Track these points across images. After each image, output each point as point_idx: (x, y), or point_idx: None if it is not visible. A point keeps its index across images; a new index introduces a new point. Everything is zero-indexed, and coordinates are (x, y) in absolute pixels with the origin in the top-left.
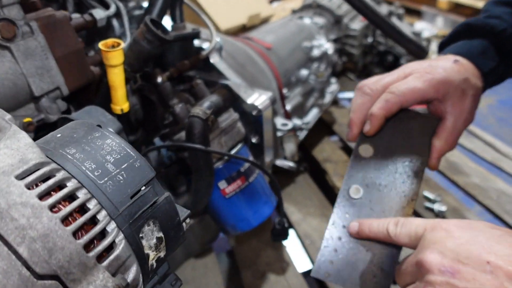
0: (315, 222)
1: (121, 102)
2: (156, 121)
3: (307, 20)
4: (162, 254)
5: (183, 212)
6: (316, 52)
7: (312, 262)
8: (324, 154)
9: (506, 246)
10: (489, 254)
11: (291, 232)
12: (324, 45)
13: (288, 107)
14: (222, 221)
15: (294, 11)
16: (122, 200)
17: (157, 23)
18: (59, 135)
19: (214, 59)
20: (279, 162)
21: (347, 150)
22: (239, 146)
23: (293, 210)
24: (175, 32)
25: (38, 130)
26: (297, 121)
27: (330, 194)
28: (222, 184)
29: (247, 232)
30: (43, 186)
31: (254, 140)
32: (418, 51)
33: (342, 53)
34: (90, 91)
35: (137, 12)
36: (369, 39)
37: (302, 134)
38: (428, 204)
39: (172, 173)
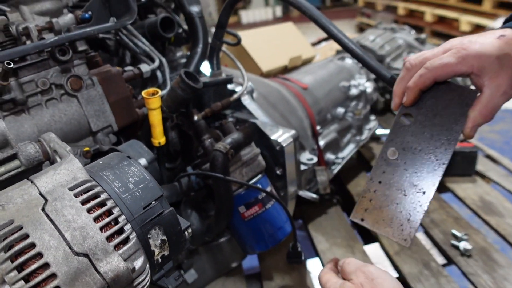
0: (340, 252)
1: (159, 137)
2: (191, 153)
3: (348, 61)
4: (166, 252)
5: (185, 224)
6: (354, 91)
7: None
8: (358, 189)
9: None
10: None
11: (316, 260)
12: (363, 83)
13: (322, 142)
14: (242, 241)
15: (338, 52)
16: (137, 209)
17: (191, 74)
18: (101, 162)
19: (245, 100)
20: (302, 193)
21: None
22: (259, 176)
23: (320, 240)
24: (212, 77)
25: (94, 157)
26: (330, 156)
27: (360, 226)
28: (242, 209)
29: (273, 254)
30: (84, 196)
31: (278, 172)
32: (386, 78)
33: (385, 91)
34: (135, 127)
35: (183, 61)
36: None
37: (336, 168)
38: (454, 242)
39: (201, 197)
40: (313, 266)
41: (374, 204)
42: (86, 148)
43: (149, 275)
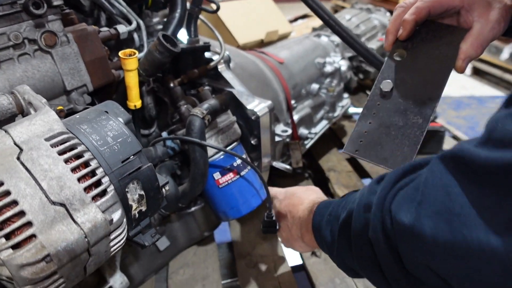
0: None
1: (135, 100)
2: (166, 119)
3: (324, 38)
4: (143, 208)
5: (162, 180)
6: (328, 68)
7: (303, 259)
8: (330, 164)
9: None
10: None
11: None
12: (338, 61)
13: (296, 117)
14: (215, 207)
15: (314, 29)
16: (115, 163)
17: (169, 38)
18: (77, 116)
19: (222, 69)
20: (276, 164)
21: (352, 162)
22: (234, 144)
23: None
24: (189, 45)
25: (67, 117)
26: (303, 130)
27: None
28: (216, 175)
29: (245, 225)
30: (61, 147)
31: (253, 142)
32: (375, 61)
33: (359, 70)
34: (111, 89)
35: (160, 27)
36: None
37: (309, 143)
38: None
39: (176, 162)
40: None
41: (369, 135)
42: (60, 107)
43: (126, 229)
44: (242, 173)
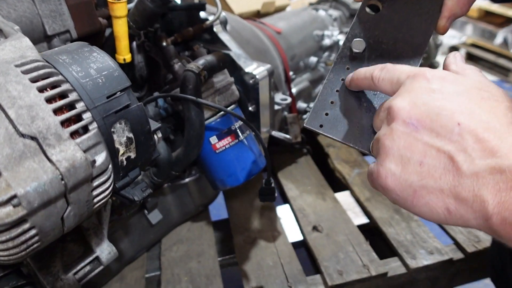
0: (310, 199)
1: (124, 52)
2: (159, 80)
3: (321, 12)
4: (132, 154)
5: (154, 125)
6: (327, 41)
7: (304, 234)
8: (328, 140)
9: (485, 111)
10: (462, 115)
11: (286, 206)
12: (336, 35)
13: (294, 90)
14: (212, 175)
15: (311, 4)
16: (99, 97)
17: None
18: (56, 49)
19: (218, 30)
20: (275, 133)
21: None
22: (232, 106)
23: (291, 187)
24: (183, 2)
25: None
26: (302, 104)
27: (330, 176)
28: (213, 139)
29: (242, 200)
30: (34, 73)
31: (251, 108)
32: None
33: None
34: (97, 40)
35: None
36: None
37: (307, 118)
38: None
39: (169, 125)
40: (283, 212)
41: (336, 106)
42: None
43: (112, 178)
44: (241, 138)
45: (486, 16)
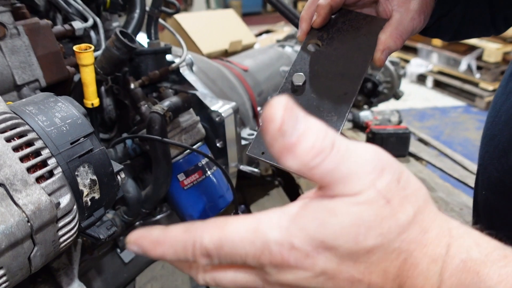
0: None
1: (92, 97)
2: (128, 121)
3: (288, 48)
4: (96, 195)
5: (117, 167)
6: None
7: None
8: None
9: (377, 262)
10: (362, 280)
11: None
12: None
13: None
14: (181, 211)
15: (278, 41)
16: (63, 144)
17: (126, 34)
18: (24, 100)
19: (184, 72)
20: (243, 167)
21: None
22: (199, 144)
23: None
24: (150, 47)
25: None
26: None
27: None
28: (181, 176)
29: None
30: (2, 125)
31: (218, 145)
32: (295, 20)
33: None
34: (66, 87)
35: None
36: None
37: None
38: None
39: (138, 165)
40: None
41: None
42: (9, 102)
43: (77, 218)
44: (208, 174)
45: (450, 44)
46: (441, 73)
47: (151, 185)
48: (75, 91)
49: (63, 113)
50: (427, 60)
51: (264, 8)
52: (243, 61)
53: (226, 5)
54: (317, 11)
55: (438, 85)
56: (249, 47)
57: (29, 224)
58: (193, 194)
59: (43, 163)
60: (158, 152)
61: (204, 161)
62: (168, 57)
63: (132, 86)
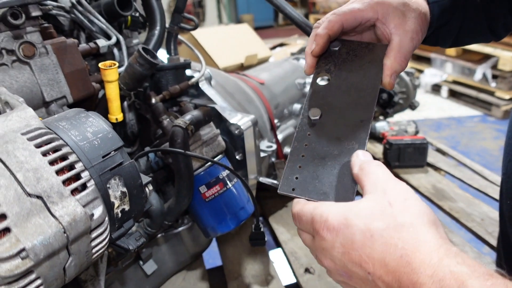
0: (301, 242)
1: (116, 112)
2: (149, 135)
3: (302, 61)
4: (126, 207)
5: (145, 179)
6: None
7: (296, 277)
8: None
9: (379, 249)
10: (367, 264)
11: (278, 250)
12: None
13: (280, 136)
14: (203, 223)
15: (292, 54)
16: (95, 157)
17: (148, 51)
18: (56, 116)
19: (204, 86)
20: (263, 179)
21: None
22: (219, 156)
23: (282, 231)
24: (170, 63)
25: None
26: (288, 150)
27: None
28: (202, 189)
29: (234, 246)
30: (38, 140)
31: (238, 157)
32: (307, 29)
33: None
34: (91, 102)
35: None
36: None
37: None
38: None
39: (160, 178)
40: (275, 256)
41: (303, 169)
42: (40, 119)
43: (108, 229)
44: (229, 186)
45: (464, 53)
46: (456, 82)
47: (174, 198)
48: (100, 107)
49: (94, 128)
50: (441, 70)
51: (276, 21)
52: (259, 74)
53: (238, 20)
54: (316, 40)
55: (453, 94)
56: (264, 60)
57: (65, 235)
58: (215, 206)
59: (77, 176)
60: (180, 165)
61: (224, 173)
62: (187, 72)
63: (153, 101)
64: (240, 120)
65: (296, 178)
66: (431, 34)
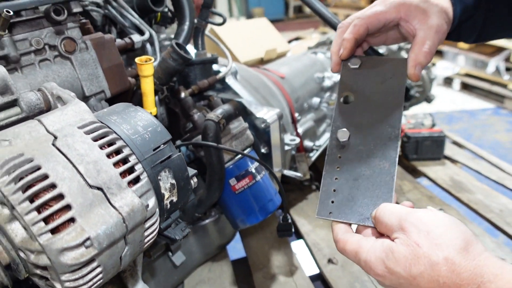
0: (323, 233)
1: (151, 107)
2: (179, 129)
3: (320, 55)
4: (174, 198)
5: (191, 171)
6: (327, 82)
7: (320, 267)
8: None
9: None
10: None
11: (300, 242)
12: (335, 76)
13: (300, 130)
14: (232, 214)
15: (309, 48)
16: (147, 150)
17: (181, 46)
18: (105, 110)
19: (230, 81)
20: (287, 172)
21: None
22: (248, 150)
23: (303, 223)
24: (198, 57)
25: None
26: (308, 143)
27: None
28: (232, 181)
29: (258, 238)
30: (95, 134)
31: (263, 150)
32: (333, 23)
33: None
34: (127, 97)
35: (167, 43)
36: None
37: (314, 155)
38: None
39: None
40: (298, 247)
41: (338, 193)
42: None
43: (158, 219)
44: (258, 178)
45: (477, 46)
46: (468, 75)
47: (205, 190)
48: (133, 101)
49: (144, 122)
50: (454, 63)
51: (287, 15)
52: (279, 68)
53: (248, 13)
54: (343, 45)
55: (465, 87)
56: (283, 55)
57: (124, 224)
58: (244, 198)
59: (131, 169)
60: (213, 158)
61: (253, 166)
62: (214, 66)
63: (182, 95)
64: (266, 114)
65: (332, 202)
66: (454, 29)
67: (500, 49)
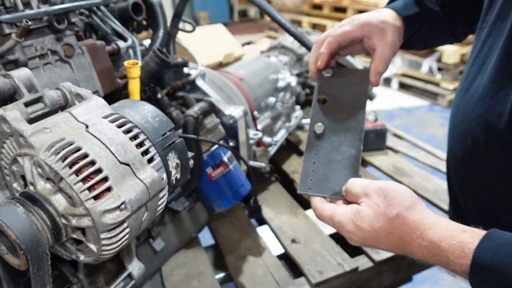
0: (285, 218)
1: None
2: None
3: (273, 58)
4: (178, 175)
5: (190, 154)
6: (281, 83)
7: (285, 247)
8: (292, 168)
9: (385, 240)
10: (380, 247)
11: (265, 227)
12: (288, 77)
13: (259, 126)
14: (209, 200)
15: (262, 52)
16: (157, 136)
17: (161, 51)
18: (116, 105)
19: (199, 82)
20: (253, 163)
21: None
22: (221, 142)
23: (267, 210)
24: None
25: None
26: (267, 139)
27: (298, 197)
28: (209, 170)
29: (227, 227)
30: (117, 122)
31: (231, 144)
32: (307, 45)
33: (305, 86)
34: (115, 96)
35: (141, 48)
36: None
37: (272, 150)
38: None
39: None
40: (263, 231)
41: (316, 173)
42: None
43: (167, 193)
44: (230, 167)
45: None
46: (404, 75)
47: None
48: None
49: (152, 113)
50: (391, 64)
51: (231, 19)
52: (237, 71)
53: (194, 17)
54: (320, 58)
55: (402, 86)
56: (239, 58)
57: (148, 192)
58: (220, 184)
59: (146, 151)
60: (193, 149)
61: (226, 156)
62: (184, 69)
63: (159, 95)
64: (233, 111)
65: (311, 180)
66: (406, 41)
67: (432, 51)
